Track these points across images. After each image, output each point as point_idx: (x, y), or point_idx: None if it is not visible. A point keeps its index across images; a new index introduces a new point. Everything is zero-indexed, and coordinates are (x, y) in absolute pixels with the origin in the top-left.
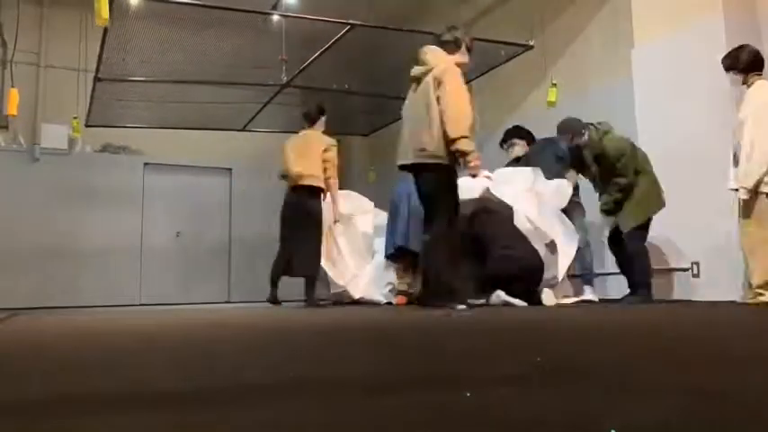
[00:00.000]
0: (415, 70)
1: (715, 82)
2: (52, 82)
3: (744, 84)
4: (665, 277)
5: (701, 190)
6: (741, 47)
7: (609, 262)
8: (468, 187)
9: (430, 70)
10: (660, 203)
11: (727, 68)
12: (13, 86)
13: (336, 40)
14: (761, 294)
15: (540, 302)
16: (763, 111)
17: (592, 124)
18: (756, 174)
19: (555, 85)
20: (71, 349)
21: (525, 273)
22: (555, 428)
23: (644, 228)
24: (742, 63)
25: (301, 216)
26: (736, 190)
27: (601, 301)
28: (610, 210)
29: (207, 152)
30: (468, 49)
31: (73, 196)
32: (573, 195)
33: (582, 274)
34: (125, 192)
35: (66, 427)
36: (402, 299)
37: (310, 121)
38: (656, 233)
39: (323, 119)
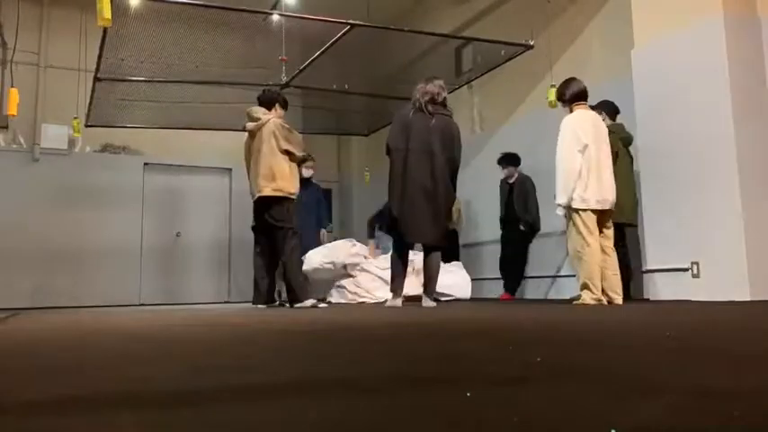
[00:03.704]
0: None
1: (715, 82)
2: (52, 82)
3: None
4: (666, 277)
5: (700, 190)
6: (567, 81)
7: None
8: None
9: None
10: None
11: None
12: (13, 86)
13: (336, 41)
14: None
15: None
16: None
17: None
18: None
19: (554, 86)
20: (71, 349)
21: None
22: (555, 428)
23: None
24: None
25: None
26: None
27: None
28: None
29: (207, 152)
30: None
31: (73, 196)
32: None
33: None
34: (125, 192)
35: (65, 427)
36: None
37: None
38: (656, 233)
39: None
